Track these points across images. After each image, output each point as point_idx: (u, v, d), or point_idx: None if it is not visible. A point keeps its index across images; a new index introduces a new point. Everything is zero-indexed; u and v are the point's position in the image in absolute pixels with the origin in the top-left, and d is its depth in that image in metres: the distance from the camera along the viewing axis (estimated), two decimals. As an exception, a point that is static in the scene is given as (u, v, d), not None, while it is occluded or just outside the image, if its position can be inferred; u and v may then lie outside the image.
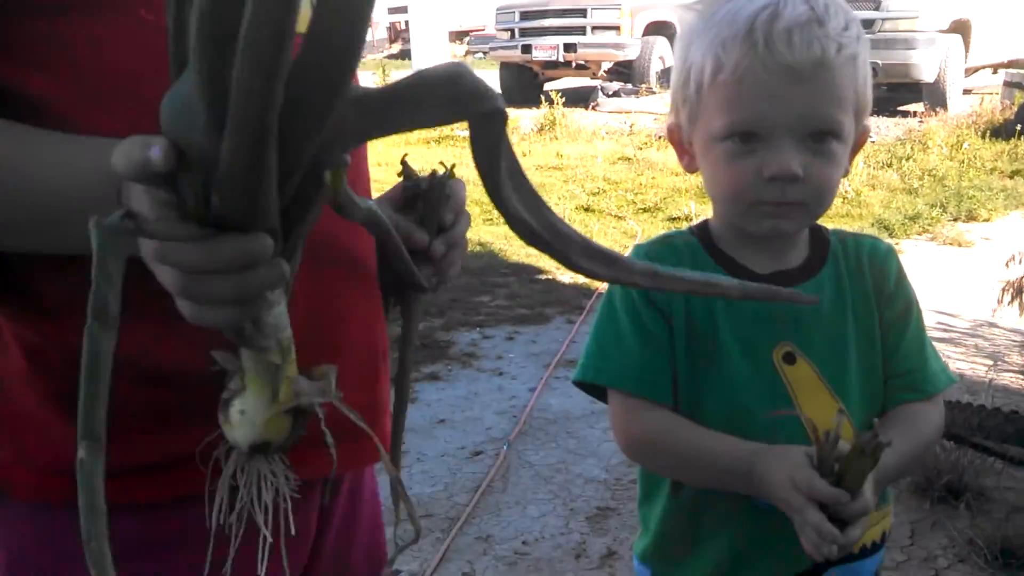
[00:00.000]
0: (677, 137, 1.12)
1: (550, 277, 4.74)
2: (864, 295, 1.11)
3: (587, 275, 0.66)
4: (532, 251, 3.80)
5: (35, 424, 0.74)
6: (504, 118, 0.60)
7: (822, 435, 0.94)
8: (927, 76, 8.98)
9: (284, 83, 0.50)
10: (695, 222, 1.18)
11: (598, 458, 2.90)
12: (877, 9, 8.85)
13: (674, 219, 5.91)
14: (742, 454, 1.02)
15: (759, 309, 1.08)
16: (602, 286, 4.59)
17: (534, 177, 7.96)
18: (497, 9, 12.09)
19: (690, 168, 1.11)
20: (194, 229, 0.56)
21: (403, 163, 0.89)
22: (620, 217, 6.05)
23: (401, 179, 0.89)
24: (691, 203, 6.17)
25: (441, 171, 0.87)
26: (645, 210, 6.18)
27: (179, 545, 0.74)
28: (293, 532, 0.70)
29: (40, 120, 0.68)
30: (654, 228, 5.70)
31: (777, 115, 1.00)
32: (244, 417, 0.67)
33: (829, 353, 1.08)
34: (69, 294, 0.72)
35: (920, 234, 5.70)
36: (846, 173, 1.07)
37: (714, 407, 1.07)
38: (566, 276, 4.72)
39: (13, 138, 0.67)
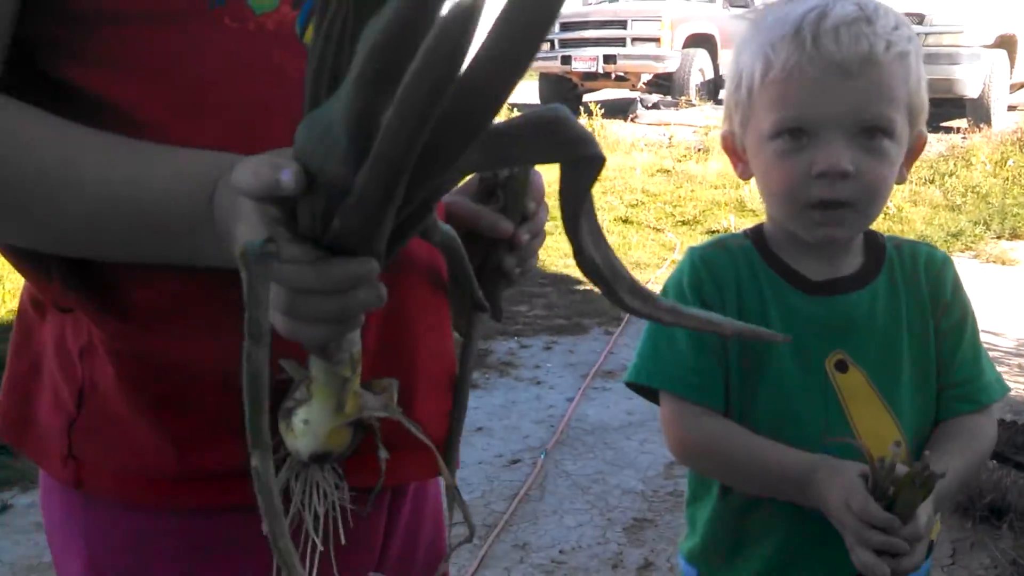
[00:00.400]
0: (731, 144, 1.12)
1: (588, 288, 4.74)
2: (919, 304, 1.11)
3: (627, 310, 0.70)
4: (571, 261, 3.77)
5: (122, 428, 0.75)
6: (602, 165, 0.63)
7: (877, 461, 0.95)
8: (971, 92, 8.88)
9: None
10: (750, 227, 1.18)
11: (635, 469, 2.91)
12: (921, 24, 8.76)
13: (713, 232, 5.89)
14: (799, 466, 1.02)
15: (813, 316, 1.08)
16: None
17: (572, 188, 7.97)
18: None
19: (744, 175, 1.12)
20: (311, 251, 0.57)
21: None
22: (658, 229, 6.04)
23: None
24: (730, 216, 6.15)
25: None
26: (684, 223, 6.17)
27: (260, 548, 0.75)
28: (343, 541, 0.71)
29: (126, 128, 0.69)
30: (692, 241, 5.68)
31: (825, 110, 1.00)
32: (308, 427, 0.68)
33: (882, 362, 1.08)
34: (158, 303, 0.73)
35: (963, 251, 5.64)
36: (903, 179, 1.07)
37: (764, 412, 1.08)
38: (604, 287, 4.72)
39: (103, 147, 0.68)
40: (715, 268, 1.11)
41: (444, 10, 0.47)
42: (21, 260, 0.76)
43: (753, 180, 1.12)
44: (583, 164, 0.63)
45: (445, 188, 0.66)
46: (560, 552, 2.45)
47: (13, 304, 4.06)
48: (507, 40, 0.49)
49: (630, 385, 1.14)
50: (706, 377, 1.08)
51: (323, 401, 0.68)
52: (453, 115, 0.51)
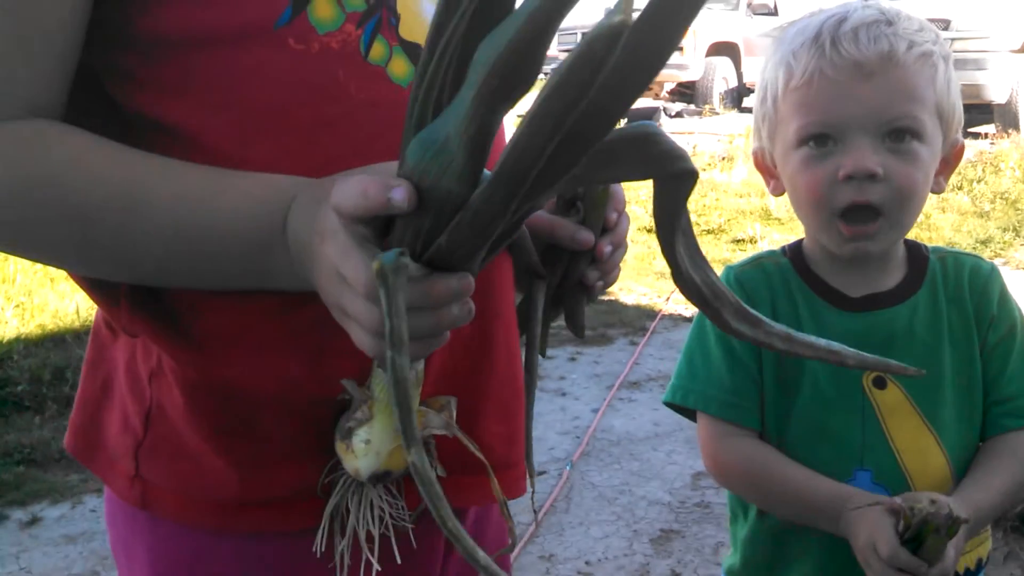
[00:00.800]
0: (761, 160, 1.11)
1: (613, 298, 4.74)
2: (963, 318, 1.08)
3: (734, 334, 0.69)
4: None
5: (189, 453, 0.75)
6: (695, 180, 0.62)
7: (908, 508, 0.93)
8: (998, 97, 8.81)
9: None
10: (792, 242, 1.16)
11: (662, 480, 2.89)
12: (946, 29, 8.71)
13: (738, 241, 5.87)
14: (831, 499, 1.01)
15: (849, 333, 1.06)
16: (664, 308, 4.57)
17: (596, 198, 7.98)
18: (559, 31, 12.14)
19: (776, 191, 1.10)
20: (419, 267, 0.57)
21: None
22: (683, 238, 6.01)
23: None
24: (756, 225, 6.13)
25: None
26: (709, 232, 6.15)
27: (320, 573, 0.75)
28: (398, 560, 0.71)
29: (192, 152, 0.69)
30: (718, 250, 5.66)
31: (848, 112, 0.98)
32: (368, 447, 0.68)
33: (922, 378, 1.04)
34: (220, 331, 0.73)
35: (992, 258, 5.57)
36: (940, 189, 1.04)
37: (800, 430, 1.06)
38: (629, 297, 4.71)
39: (172, 173, 0.68)
40: (750, 288, 1.09)
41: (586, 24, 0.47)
42: (90, 286, 0.77)
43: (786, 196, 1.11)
44: (676, 180, 0.62)
45: (541, 204, 0.65)
46: (586, 563, 2.44)
47: (42, 318, 4.11)
48: (630, 65, 0.49)
49: (668, 404, 1.14)
50: (741, 397, 1.07)
51: (385, 420, 0.68)
52: (568, 132, 0.51)
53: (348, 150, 0.69)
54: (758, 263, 1.13)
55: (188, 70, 0.69)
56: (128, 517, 0.82)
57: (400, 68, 0.73)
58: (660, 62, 0.49)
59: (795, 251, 1.13)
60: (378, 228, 0.58)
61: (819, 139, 1.00)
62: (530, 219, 0.83)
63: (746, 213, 6.49)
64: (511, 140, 0.51)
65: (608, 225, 0.83)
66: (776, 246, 1.16)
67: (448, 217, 0.55)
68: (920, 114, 0.99)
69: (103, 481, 0.82)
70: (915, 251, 1.11)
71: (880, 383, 1.06)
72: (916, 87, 0.99)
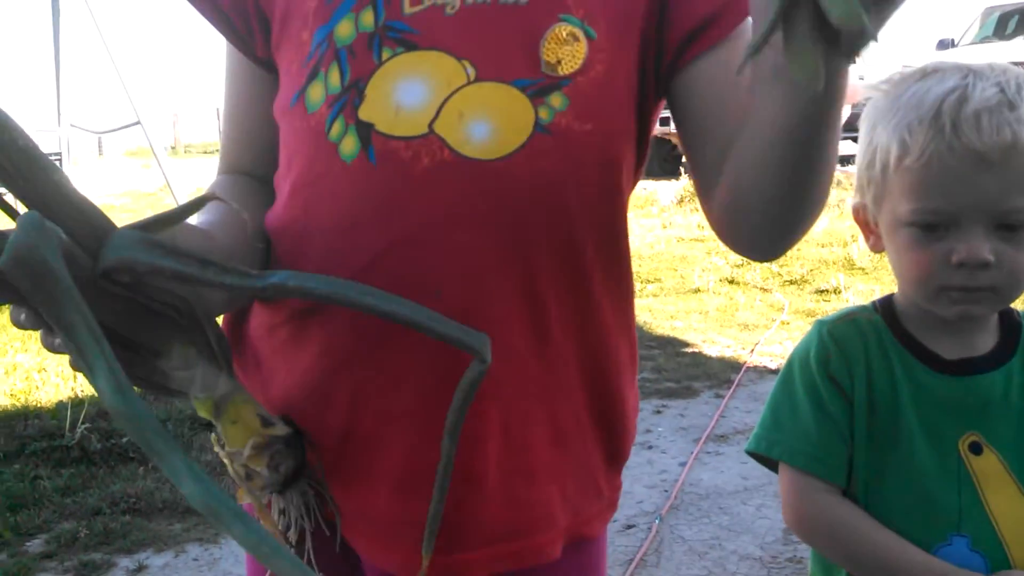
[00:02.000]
0: (862, 217, 1.11)
1: (696, 350, 4.73)
2: None
3: None
4: (678, 324, 3.80)
5: None
6: (485, 369, 0.69)
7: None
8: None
9: None
10: (878, 297, 1.15)
11: (753, 535, 2.86)
12: (1033, 73, 8.55)
13: (822, 291, 5.80)
14: (925, 574, 1.00)
15: (946, 395, 1.06)
16: (749, 360, 4.54)
17: (676, 249, 7.75)
18: (636, 84, 12.22)
19: (876, 248, 1.10)
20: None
21: None
22: (766, 290, 5.98)
23: None
24: (839, 275, 6.06)
25: None
26: (791, 282, 6.10)
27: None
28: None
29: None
30: (801, 301, 5.61)
31: (965, 201, 0.97)
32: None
33: (1018, 445, 1.04)
34: None
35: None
36: None
37: (894, 492, 1.05)
38: (713, 349, 4.69)
39: None
40: (844, 343, 1.08)
41: None
42: None
43: (875, 249, 1.11)
44: (474, 365, 0.70)
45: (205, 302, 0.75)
46: (679, 619, 2.43)
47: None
48: None
49: (751, 454, 1.13)
50: (828, 451, 1.07)
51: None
52: None
53: (299, 216, 0.83)
54: (851, 319, 1.12)
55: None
56: None
57: (349, 146, 0.81)
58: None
59: (886, 307, 1.12)
60: None
61: (931, 223, 1.00)
62: None
63: (829, 263, 6.42)
64: None
65: None
66: (861, 296, 1.13)
67: None
68: None
69: None
70: (1007, 317, 1.10)
71: (976, 449, 1.04)
72: None
